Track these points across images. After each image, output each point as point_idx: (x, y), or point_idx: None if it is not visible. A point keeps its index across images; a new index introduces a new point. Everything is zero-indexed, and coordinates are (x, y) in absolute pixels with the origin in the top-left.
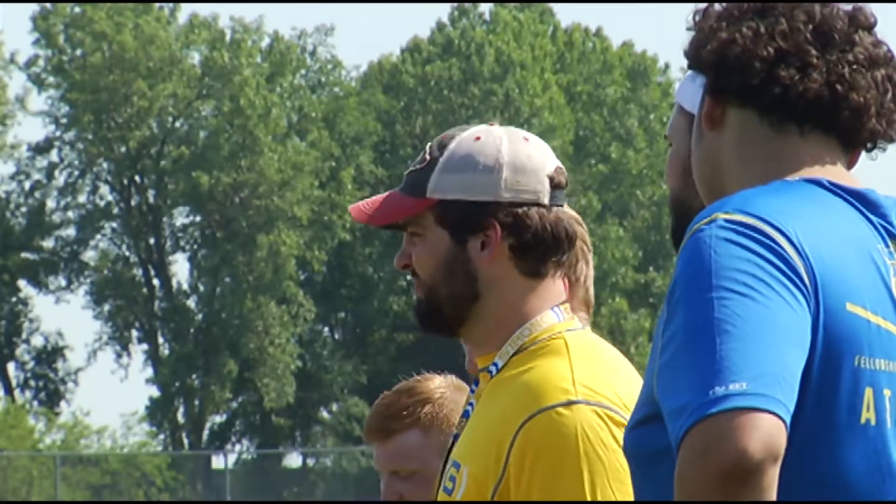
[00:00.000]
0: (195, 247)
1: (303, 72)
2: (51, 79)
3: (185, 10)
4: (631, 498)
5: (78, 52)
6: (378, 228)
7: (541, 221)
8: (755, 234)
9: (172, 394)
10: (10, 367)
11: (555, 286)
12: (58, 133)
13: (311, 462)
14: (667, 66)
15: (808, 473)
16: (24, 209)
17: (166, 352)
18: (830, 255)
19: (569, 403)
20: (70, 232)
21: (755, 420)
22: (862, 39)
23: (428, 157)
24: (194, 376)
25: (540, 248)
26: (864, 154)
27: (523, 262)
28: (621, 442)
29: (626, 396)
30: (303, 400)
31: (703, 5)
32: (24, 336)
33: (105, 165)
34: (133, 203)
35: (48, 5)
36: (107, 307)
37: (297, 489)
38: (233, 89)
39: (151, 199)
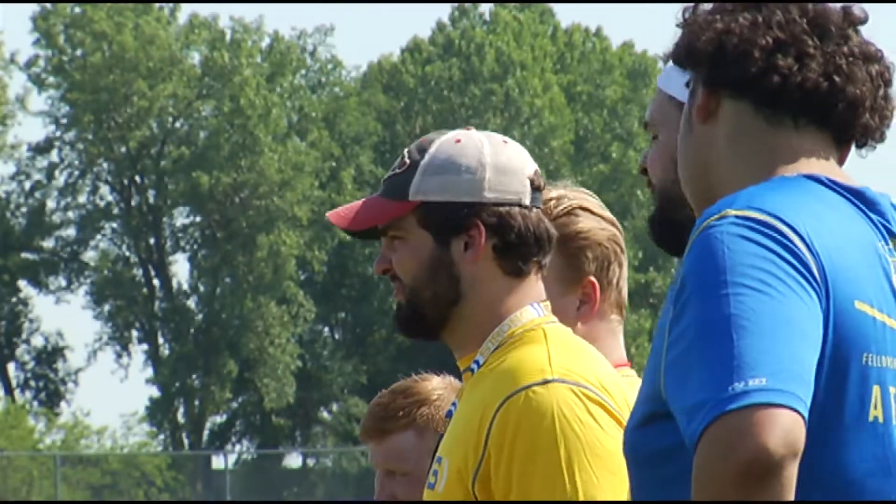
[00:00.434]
0: (195, 247)
1: (303, 72)
2: (51, 79)
3: (185, 11)
4: (609, 473)
5: (78, 52)
6: (356, 236)
7: (524, 221)
8: (768, 231)
9: (172, 394)
10: (11, 368)
11: (536, 286)
12: (58, 133)
13: (311, 462)
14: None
15: (818, 471)
16: (24, 209)
17: (166, 352)
18: (838, 253)
19: (545, 382)
20: (70, 232)
21: (775, 416)
22: (855, 35)
23: (408, 160)
24: (194, 376)
25: (523, 248)
26: (853, 151)
27: (506, 261)
28: (598, 418)
29: (603, 378)
30: (303, 400)
31: (691, 4)
32: (24, 336)
33: (105, 165)
34: (133, 203)
35: (48, 5)
36: (107, 307)
37: (298, 489)
38: (233, 89)
39: (151, 200)
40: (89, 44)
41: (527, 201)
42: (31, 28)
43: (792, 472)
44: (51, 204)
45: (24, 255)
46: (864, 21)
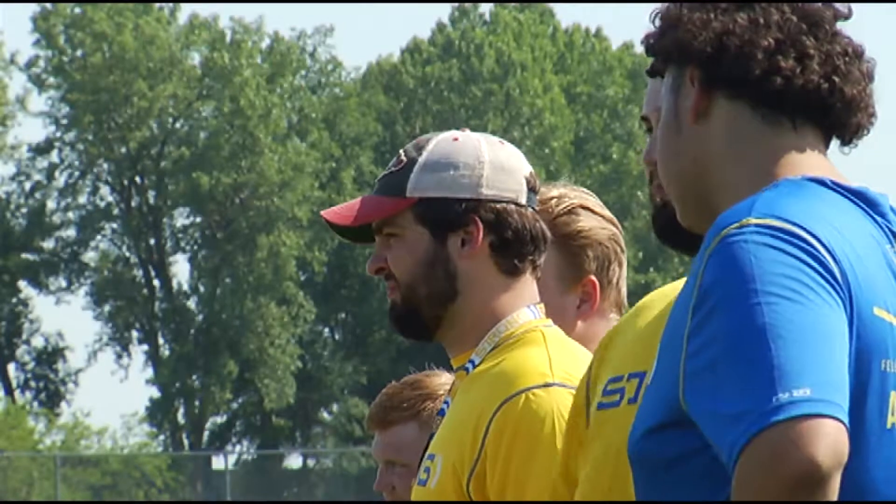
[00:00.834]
0: (195, 247)
1: (303, 72)
2: (51, 79)
3: (185, 11)
4: None
5: (78, 52)
6: (351, 238)
7: (520, 219)
8: (793, 239)
9: (173, 394)
10: (11, 368)
11: (531, 285)
12: (58, 134)
13: (311, 463)
14: None
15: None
16: (24, 210)
17: (166, 352)
18: (856, 260)
19: (546, 385)
20: (70, 233)
21: (823, 426)
22: (842, 31)
23: (404, 158)
24: (194, 377)
25: (519, 246)
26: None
27: (502, 259)
28: None
29: None
30: (303, 400)
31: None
32: (24, 337)
33: (105, 166)
34: (133, 204)
35: (48, 6)
36: (107, 308)
37: (298, 490)
38: (233, 90)
39: (152, 200)
40: (89, 44)
41: (523, 200)
42: (32, 28)
43: (837, 483)
44: (51, 204)
45: (24, 255)
46: (848, 17)
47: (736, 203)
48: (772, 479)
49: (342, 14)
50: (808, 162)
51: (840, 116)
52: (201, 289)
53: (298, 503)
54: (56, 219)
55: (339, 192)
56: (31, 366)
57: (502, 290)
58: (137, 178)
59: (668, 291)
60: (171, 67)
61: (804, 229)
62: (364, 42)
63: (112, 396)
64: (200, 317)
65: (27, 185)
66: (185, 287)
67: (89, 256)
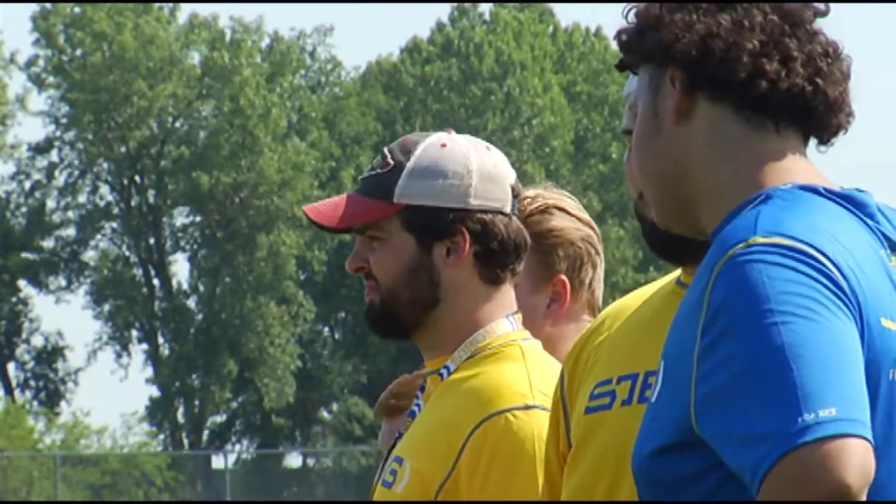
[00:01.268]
0: (195, 247)
1: (303, 72)
2: (51, 79)
3: (184, 10)
4: None
5: (78, 52)
6: (329, 232)
7: (506, 230)
8: (803, 257)
9: (172, 394)
10: (11, 367)
11: (509, 294)
12: (58, 133)
13: (311, 462)
14: None
15: None
16: (24, 209)
17: (166, 352)
18: (859, 271)
19: (526, 408)
20: (70, 232)
21: (850, 446)
22: (820, 29)
23: (391, 161)
24: (194, 376)
25: (503, 256)
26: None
27: (486, 269)
28: None
29: None
30: (303, 400)
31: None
32: (24, 336)
33: (105, 165)
34: (133, 203)
35: (48, 5)
36: (107, 307)
37: (298, 489)
38: (233, 89)
39: (151, 200)
40: (89, 44)
41: (508, 209)
42: (31, 28)
43: (863, 500)
44: (51, 204)
45: (24, 254)
46: (826, 14)
47: (715, 208)
48: (801, 500)
49: (342, 13)
50: (793, 166)
51: (822, 118)
52: (201, 288)
53: (298, 503)
54: (56, 218)
55: (339, 192)
56: (30, 365)
57: (483, 298)
58: (137, 178)
59: (632, 303)
60: (170, 67)
61: (811, 246)
62: (364, 41)
63: (112, 396)
64: (200, 316)
65: (27, 185)
66: (185, 286)
67: (89, 256)
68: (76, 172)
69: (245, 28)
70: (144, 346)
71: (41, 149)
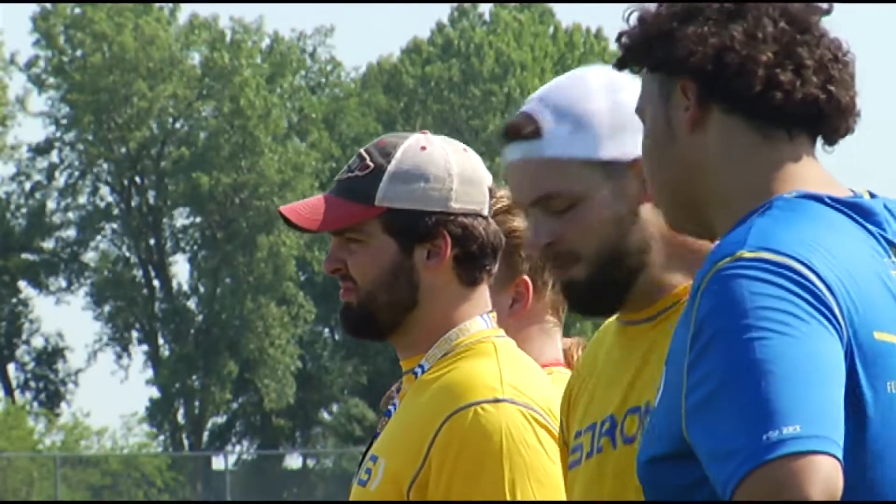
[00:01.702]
0: (195, 248)
1: (303, 73)
2: (51, 79)
3: (185, 11)
4: (551, 499)
5: (78, 52)
6: (300, 231)
7: (484, 232)
8: (786, 273)
9: (172, 395)
10: (11, 368)
11: (485, 293)
12: (58, 134)
13: (311, 463)
14: None
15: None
16: (24, 210)
17: (166, 353)
18: (852, 285)
19: (495, 401)
20: (70, 233)
21: (814, 464)
22: (826, 30)
23: (371, 164)
24: (194, 377)
25: (482, 259)
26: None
27: (464, 271)
28: (544, 443)
29: (550, 401)
30: (303, 401)
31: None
32: (24, 337)
33: (105, 166)
34: (133, 204)
35: (48, 6)
36: (107, 308)
37: (298, 490)
38: (233, 90)
39: (152, 200)
40: (89, 44)
41: (486, 212)
42: (31, 29)
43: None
44: (51, 205)
45: (24, 255)
46: (829, 12)
47: (730, 215)
48: None
49: (342, 14)
50: (803, 174)
51: (834, 123)
52: (201, 289)
53: (298, 503)
54: (56, 219)
55: None
56: (30, 366)
57: (460, 299)
58: (137, 179)
59: (596, 343)
60: (170, 67)
61: (798, 260)
62: (364, 42)
63: (112, 397)
64: (200, 317)
65: (27, 186)
66: (185, 287)
67: (89, 257)
68: (76, 173)
69: (245, 29)
70: (144, 347)
71: (41, 150)
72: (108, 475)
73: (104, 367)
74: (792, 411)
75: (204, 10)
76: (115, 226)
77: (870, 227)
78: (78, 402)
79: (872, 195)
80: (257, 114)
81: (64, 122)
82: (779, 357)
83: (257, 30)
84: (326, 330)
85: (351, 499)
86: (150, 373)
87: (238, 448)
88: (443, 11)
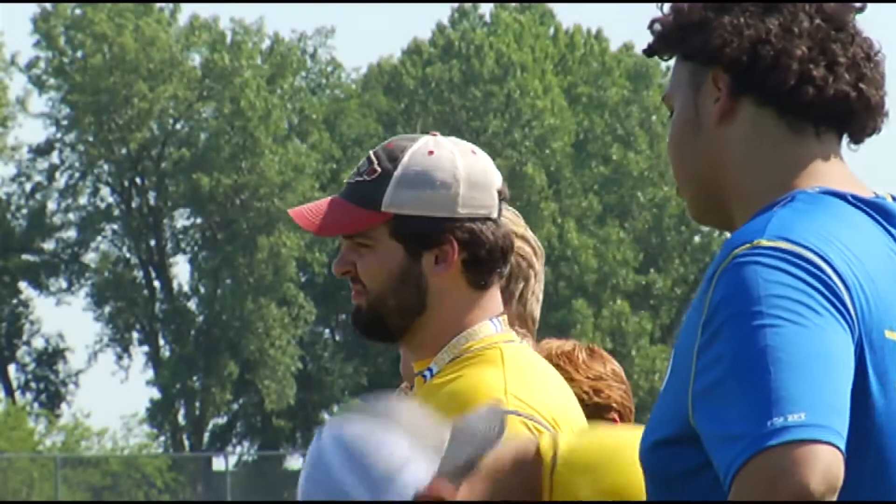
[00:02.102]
0: (196, 248)
1: (303, 74)
2: (51, 80)
3: (185, 12)
4: None
5: (78, 53)
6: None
7: (493, 237)
8: (802, 263)
9: (173, 395)
10: (11, 369)
11: (495, 297)
12: (58, 135)
13: None
14: (668, 68)
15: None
16: (24, 211)
17: (167, 353)
18: (868, 282)
19: None
20: (71, 234)
21: (816, 452)
22: (860, 29)
23: (378, 168)
24: (195, 378)
25: (491, 263)
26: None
27: (473, 275)
28: None
29: (554, 410)
30: (303, 402)
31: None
32: (24, 338)
33: (106, 167)
34: (134, 205)
35: (49, 7)
36: (107, 309)
37: None
38: (233, 91)
39: (152, 201)
40: (90, 45)
41: (495, 214)
42: (32, 30)
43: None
44: (51, 206)
45: (24, 256)
46: (862, 10)
47: (748, 208)
48: (766, 502)
49: (343, 15)
50: (828, 171)
51: (863, 121)
52: (202, 290)
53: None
54: (56, 220)
55: None
56: (31, 367)
57: (470, 303)
58: (138, 179)
59: None
60: (171, 68)
61: (815, 253)
62: (364, 43)
63: (112, 397)
64: (201, 318)
65: (27, 187)
66: (186, 288)
67: (90, 257)
68: (77, 174)
69: (246, 30)
70: (145, 347)
71: (42, 150)
72: (109, 476)
73: (105, 367)
74: (798, 399)
75: (204, 11)
76: (115, 227)
77: (891, 228)
78: (78, 402)
79: (895, 198)
80: (258, 115)
81: (64, 122)
82: (789, 345)
83: (258, 31)
84: (327, 331)
85: None
86: (150, 373)
87: (239, 449)
88: (443, 12)
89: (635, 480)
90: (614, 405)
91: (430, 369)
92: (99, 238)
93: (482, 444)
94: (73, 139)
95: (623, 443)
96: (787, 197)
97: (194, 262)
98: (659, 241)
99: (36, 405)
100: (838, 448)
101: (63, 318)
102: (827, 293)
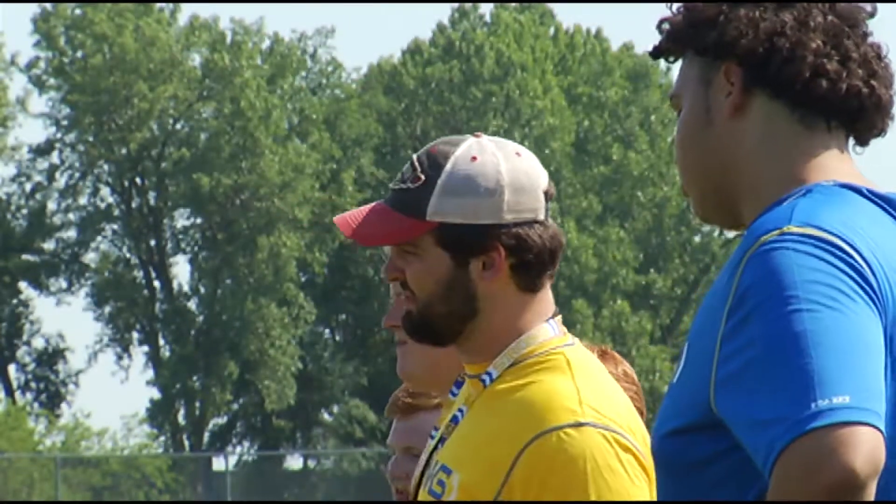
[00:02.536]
0: (196, 249)
1: (303, 74)
2: (51, 80)
3: (185, 12)
4: None
5: (79, 53)
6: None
7: (540, 239)
8: (833, 249)
9: (173, 395)
10: (11, 369)
11: (546, 297)
12: (58, 135)
13: (311, 464)
14: (668, 68)
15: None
16: (24, 211)
17: (167, 353)
18: (891, 271)
19: (577, 425)
20: (71, 234)
21: (861, 434)
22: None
23: (422, 176)
24: (195, 378)
25: (539, 266)
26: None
27: (522, 278)
28: (628, 467)
29: (627, 417)
30: (303, 402)
31: None
32: (24, 338)
33: (106, 167)
34: (134, 205)
35: (49, 7)
36: (107, 309)
37: (298, 491)
38: (233, 91)
39: (152, 201)
40: (90, 45)
41: (542, 216)
42: (32, 30)
43: (873, 490)
44: (51, 206)
45: (24, 256)
46: (873, 15)
47: (759, 201)
48: (810, 485)
49: (343, 15)
50: (839, 166)
51: (871, 119)
52: (202, 290)
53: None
54: (56, 220)
55: (340, 194)
56: (31, 367)
57: (522, 305)
58: (138, 180)
59: None
60: (171, 69)
61: (843, 239)
62: (365, 43)
63: (112, 397)
64: (201, 318)
65: (28, 187)
66: (186, 288)
67: (90, 258)
68: (77, 174)
69: (246, 30)
70: (145, 347)
71: (42, 150)
72: (109, 476)
73: (105, 367)
74: (842, 382)
75: (204, 11)
76: (115, 227)
77: None
78: (78, 402)
79: None
80: (258, 115)
81: (64, 123)
82: (827, 330)
83: (258, 31)
84: (327, 331)
85: None
86: (150, 374)
87: (239, 449)
88: (443, 13)
89: None
90: None
91: (488, 374)
92: (99, 238)
93: None
94: (73, 139)
95: None
96: (803, 189)
97: (194, 262)
98: (659, 241)
99: (36, 405)
100: (881, 431)
101: (63, 318)
102: (858, 279)
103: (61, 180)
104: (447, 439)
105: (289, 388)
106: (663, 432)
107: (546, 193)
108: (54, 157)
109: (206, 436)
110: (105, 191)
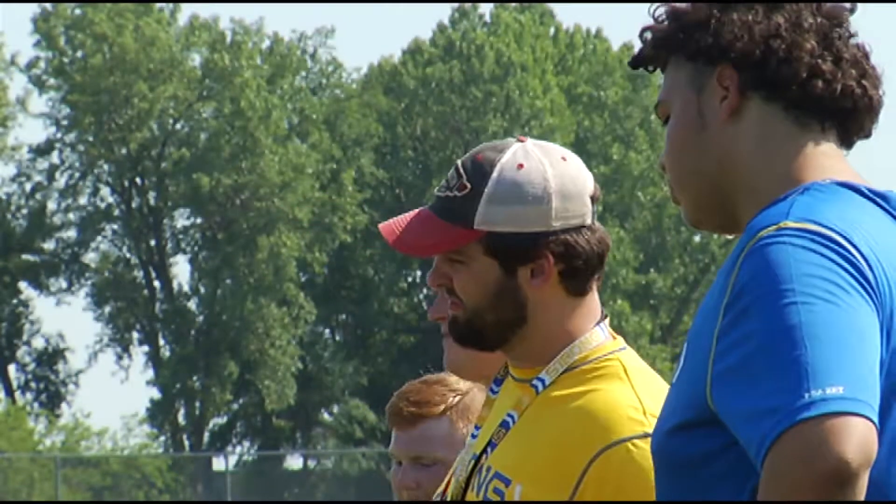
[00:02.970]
0: (196, 248)
1: (303, 74)
2: (51, 80)
3: (185, 12)
4: None
5: (78, 53)
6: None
7: (588, 245)
8: (831, 244)
9: (173, 395)
10: (11, 369)
11: (594, 301)
12: (58, 135)
13: (311, 464)
14: None
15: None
16: (24, 211)
17: (167, 353)
18: (889, 266)
19: (645, 436)
20: (71, 234)
21: (853, 425)
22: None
23: (468, 185)
24: (195, 378)
25: (588, 271)
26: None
27: (571, 283)
28: None
29: None
30: (303, 402)
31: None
32: (24, 338)
33: (106, 167)
34: (134, 205)
35: (49, 7)
36: (107, 309)
37: (298, 491)
38: (233, 91)
39: (152, 201)
40: (90, 45)
41: (589, 220)
42: (32, 30)
43: (865, 481)
44: (51, 206)
45: (24, 256)
46: (853, 11)
47: (757, 203)
48: (801, 474)
49: (343, 15)
50: (835, 166)
51: (862, 119)
52: (202, 290)
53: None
54: (56, 220)
55: (340, 194)
56: (31, 367)
57: (571, 311)
58: (138, 180)
59: None
60: (171, 69)
61: (840, 234)
62: (365, 43)
63: (112, 397)
64: (201, 318)
65: (27, 187)
66: (186, 288)
67: (90, 257)
68: (77, 174)
69: (246, 30)
70: (145, 347)
71: (42, 150)
72: (109, 476)
73: (105, 367)
74: (836, 373)
75: (204, 11)
76: (115, 227)
77: None
78: (78, 402)
79: None
80: (258, 115)
81: (64, 123)
82: (823, 322)
83: (258, 31)
84: (327, 331)
85: None
86: (150, 373)
87: (239, 449)
88: (443, 12)
89: None
90: None
91: (540, 380)
92: (99, 238)
93: None
94: (73, 139)
95: None
96: (801, 188)
97: (194, 262)
98: (659, 241)
99: (36, 405)
100: (873, 422)
101: (63, 318)
102: (855, 273)
103: (61, 180)
104: (496, 444)
105: (289, 388)
106: (663, 431)
107: (592, 197)
108: (54, 157)
109: (206, 436)
110: (105, 191)
